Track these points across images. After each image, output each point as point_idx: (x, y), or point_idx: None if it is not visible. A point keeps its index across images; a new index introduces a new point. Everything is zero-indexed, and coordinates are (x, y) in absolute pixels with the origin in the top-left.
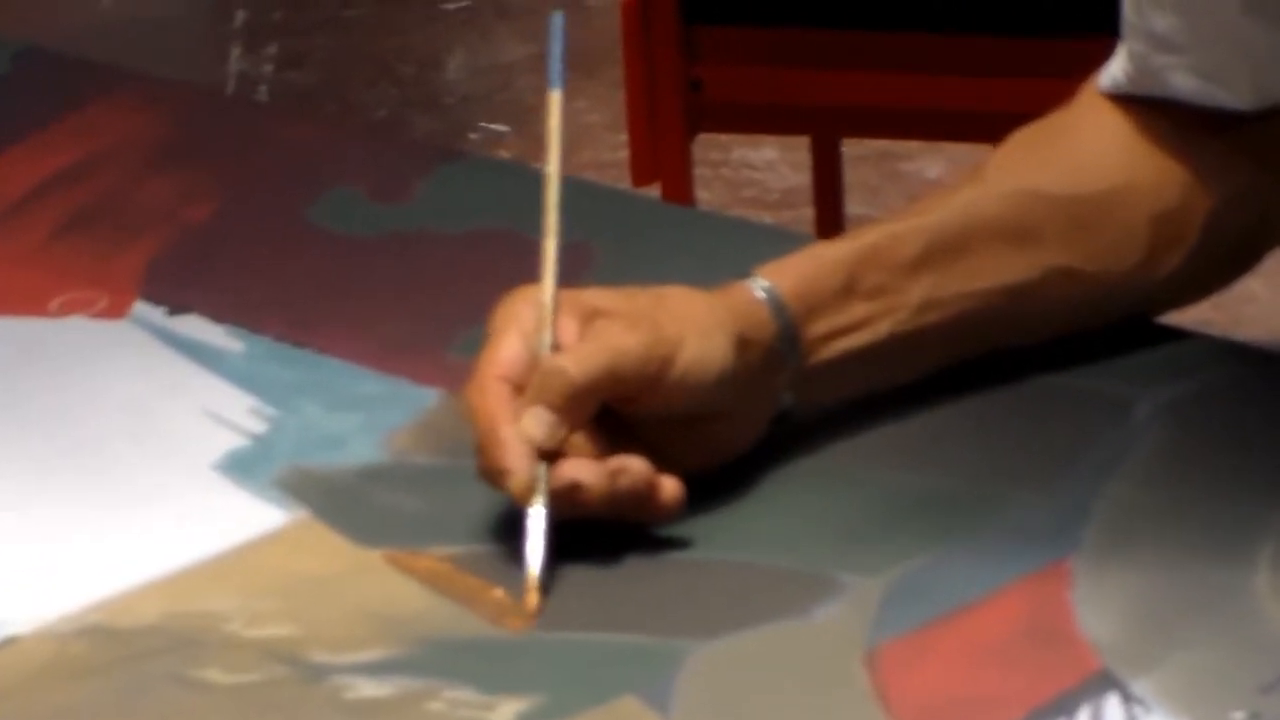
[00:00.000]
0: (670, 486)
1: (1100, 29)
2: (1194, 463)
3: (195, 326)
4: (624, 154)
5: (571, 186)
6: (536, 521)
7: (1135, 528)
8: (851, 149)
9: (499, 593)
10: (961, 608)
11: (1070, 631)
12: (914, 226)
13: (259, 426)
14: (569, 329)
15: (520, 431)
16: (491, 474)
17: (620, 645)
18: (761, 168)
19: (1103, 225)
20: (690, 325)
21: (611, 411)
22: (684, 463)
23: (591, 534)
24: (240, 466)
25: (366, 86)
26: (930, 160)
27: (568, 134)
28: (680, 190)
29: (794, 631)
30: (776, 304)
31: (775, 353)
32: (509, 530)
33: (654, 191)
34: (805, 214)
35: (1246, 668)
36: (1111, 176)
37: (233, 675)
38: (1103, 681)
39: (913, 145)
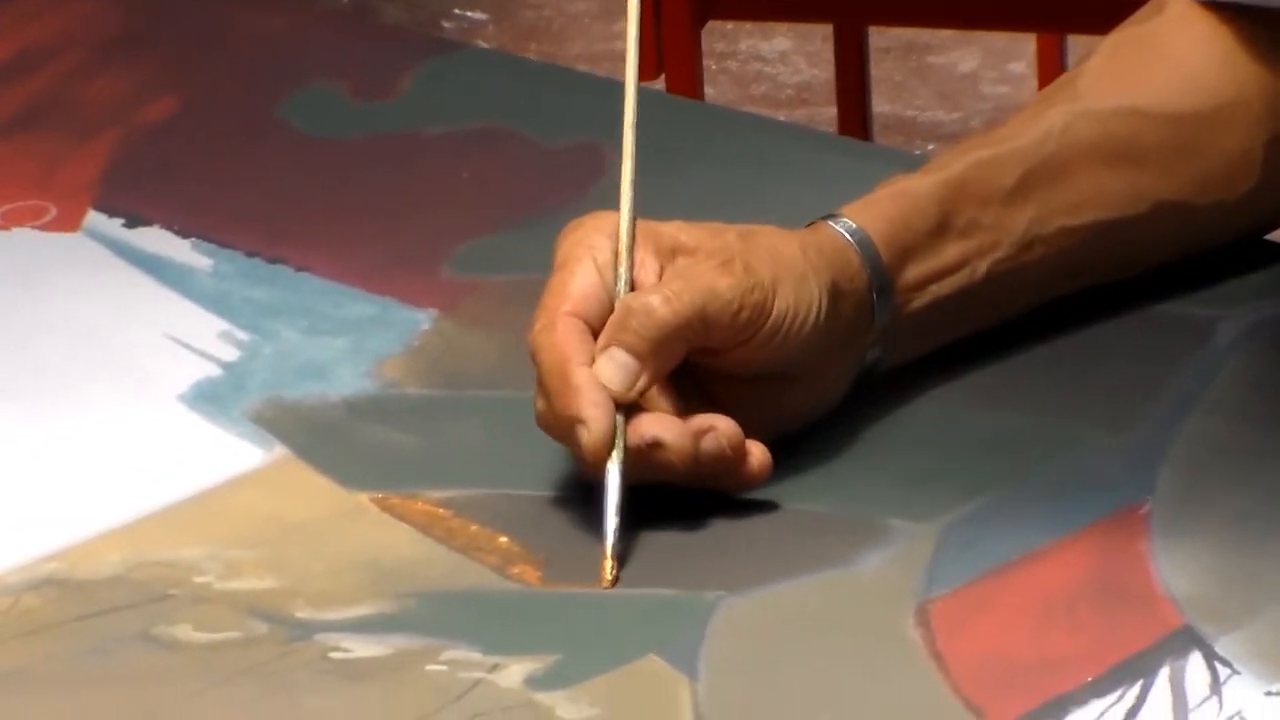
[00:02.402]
0: (758, 453)
1: None
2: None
3: (157, 240)
4: (617, 45)
5: (576, 81)
6: (613, 479)
7: (1219, 467)
8: (874, 39)
9: (504, 540)
10: (1024, 558)
11: (1146, 584)
12: (1007, 152)
13: (230, 353)
14: (649, 266)
15: (597, 376)
16: (560, 423)
17: (641, 600)
18: (773, 60)
19: (1213, 146)
20: (784, 270)
21: (683, 367)
22: (754, 429)
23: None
24: (210, 398)
25: None
26: (964, 53)
27: (555, 23)
28: (688, 86)
29: (836, 583)
30: (868, 250)
31: (866, 303)
32: (513, 471)
33: (658, 87)
34: (822, 112)
35: None
36: (1219, 93)
37: (206, 633)
38: (1183, 640)
39: (943, 35)
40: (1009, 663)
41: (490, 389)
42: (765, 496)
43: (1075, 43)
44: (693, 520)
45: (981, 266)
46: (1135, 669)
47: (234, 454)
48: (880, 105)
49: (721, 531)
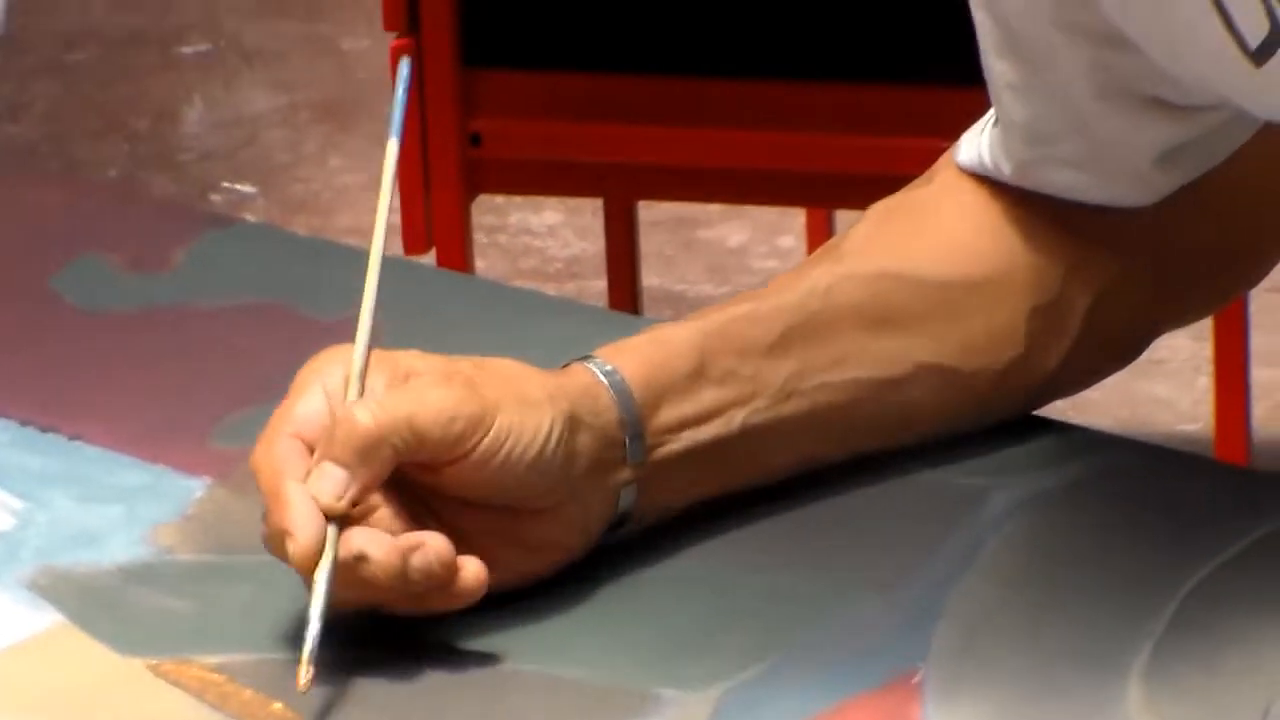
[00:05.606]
0: (472, 568)
1: (920, 77)
2: (1056, 560)
3: None
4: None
5: (351, 257)
6: (319, 587)
7: (991, 631)
8: (644, 213)
9: (277, 707)
10: None
11: None
12: (770, 307)
13: (4, 521)
14: (378, 390)
15: (308, 490)
16: (274, 538)
17: None
18: (542, 234)
19: (976, 315)
20: (513, 391)
21: (424, 498)
22: (504, 570)
23: (374, 639)
24: None
25: (93, 141)
26: (733, 227)
27: (323, 196)
28: (458, 259)
29: None
30: (620, 388)
31: (615, 442)
32: (287, 636)
33: (428, 261)
34: (591, 286)
35: None
36: (985, 263)
37: None
38: None
39: (712, 209)
40: None
41: (262, 554)
42: (528, 662)
43: (844, 217)
44: (458, 687)
45: (739, 416)
46: None
47: (9, 622)
48: (650, 279)
49: (485, 702)
